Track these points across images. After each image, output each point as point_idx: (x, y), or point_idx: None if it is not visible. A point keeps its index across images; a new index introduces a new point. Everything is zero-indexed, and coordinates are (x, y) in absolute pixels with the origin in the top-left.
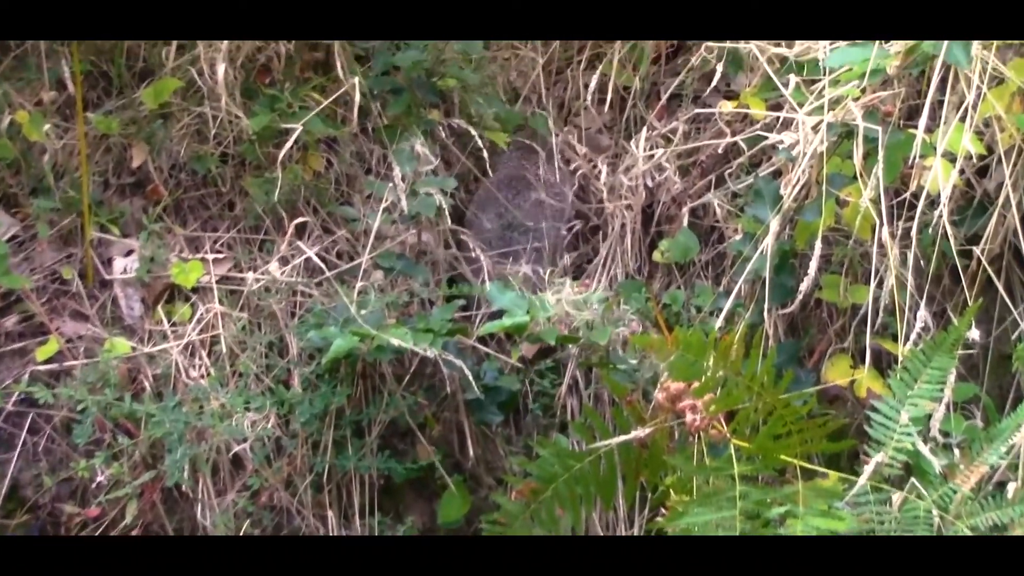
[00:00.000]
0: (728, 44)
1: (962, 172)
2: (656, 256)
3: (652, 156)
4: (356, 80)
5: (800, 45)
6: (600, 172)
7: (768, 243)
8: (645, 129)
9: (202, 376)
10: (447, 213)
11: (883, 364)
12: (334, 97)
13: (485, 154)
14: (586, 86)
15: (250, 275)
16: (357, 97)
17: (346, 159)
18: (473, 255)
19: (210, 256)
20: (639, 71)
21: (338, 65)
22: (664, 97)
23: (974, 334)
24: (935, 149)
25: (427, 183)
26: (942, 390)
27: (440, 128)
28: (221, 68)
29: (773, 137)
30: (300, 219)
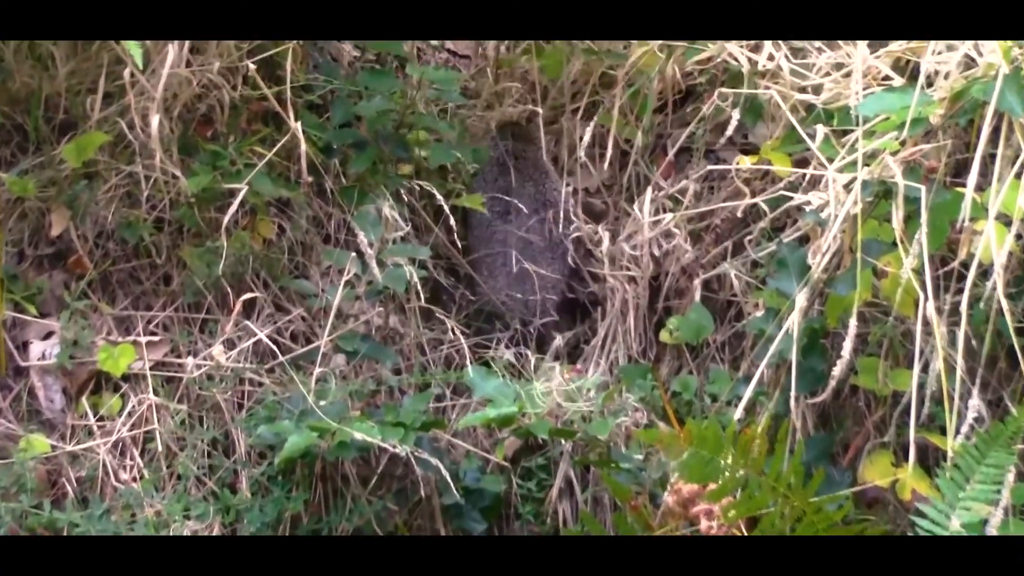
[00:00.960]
0: (745, 90)
1: (1019, 237)
2: (664, 336)
3: (658, 220)
4: (309, 132)
5: (829, 91)
6: (599, 239)
7: (794, 321)
8: (650, 189)
9: (134, 479)
10: (419, 287)
11: (930, 461)
12: (282, 152)
13: (454, 223)
14: (581, 139)
15: (190, 360)
16: (303, 148)
17: (301, 224)
18: (451, 336)
19: (143, 339)
20: (642, 121)
21: (291, 115)
22: (671, 152)
23: None
24: (987, 211)
25: (396, 252)
26: (999, 491)
27: (410, 188)
28: (155, 120)
29: (799, 197)
30: (248, 295)
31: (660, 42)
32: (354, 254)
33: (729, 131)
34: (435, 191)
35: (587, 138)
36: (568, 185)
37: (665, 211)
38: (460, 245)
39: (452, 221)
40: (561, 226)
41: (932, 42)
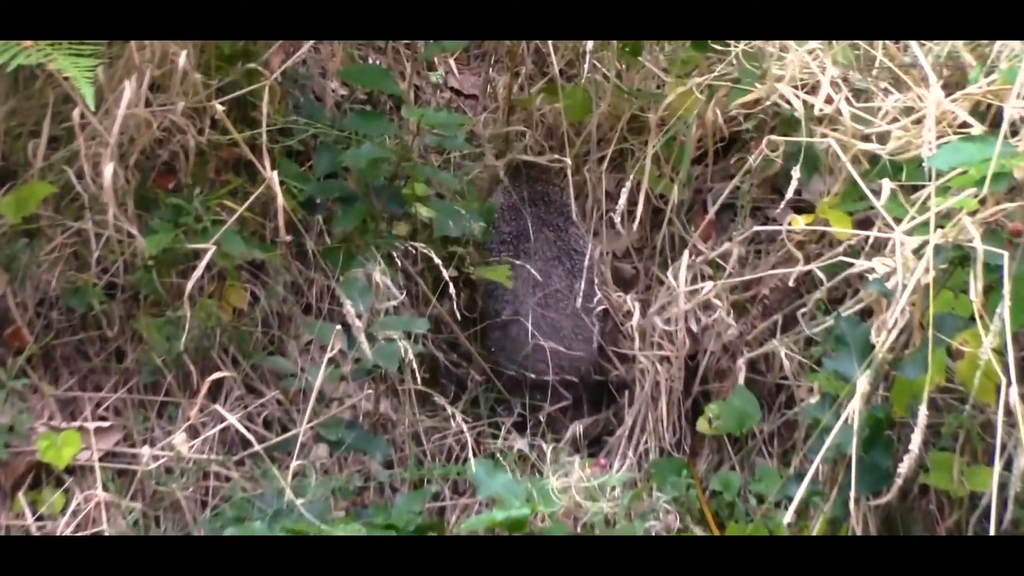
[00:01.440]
0: (799, 138)
1: None
2: (702, 425)
3: (696, 290)
4: (287, 183)
5: (897, 140)
6: (628, 311)
7: (855, 409)
8: (687, 253)
9: None
10: (415, 366)
11: None
12: (256, 206)
13: (455, 292)
14: (608, 194)
15: (146, 451)
16: (280, 203)
17: (277, 292)
18: (451, 424)
19: (91, 424)
20: (679, 174)
21: (266, 163)
22: (712, 209)
23: None
24: None
25: (388, 325)
26: None
27: (406, 250)
28: (108, 168)
29: (861, 264)
30: (215, 375)
31: (699, 81)
32: (339, 327)
33: (789, 193)
34: (434, 255)
35: (623, 198)
36: (594, 246)
37: (704, 279)
38: (465, 314)
39: (453, 289)
40: (583, 295)
41: (1018, 86)
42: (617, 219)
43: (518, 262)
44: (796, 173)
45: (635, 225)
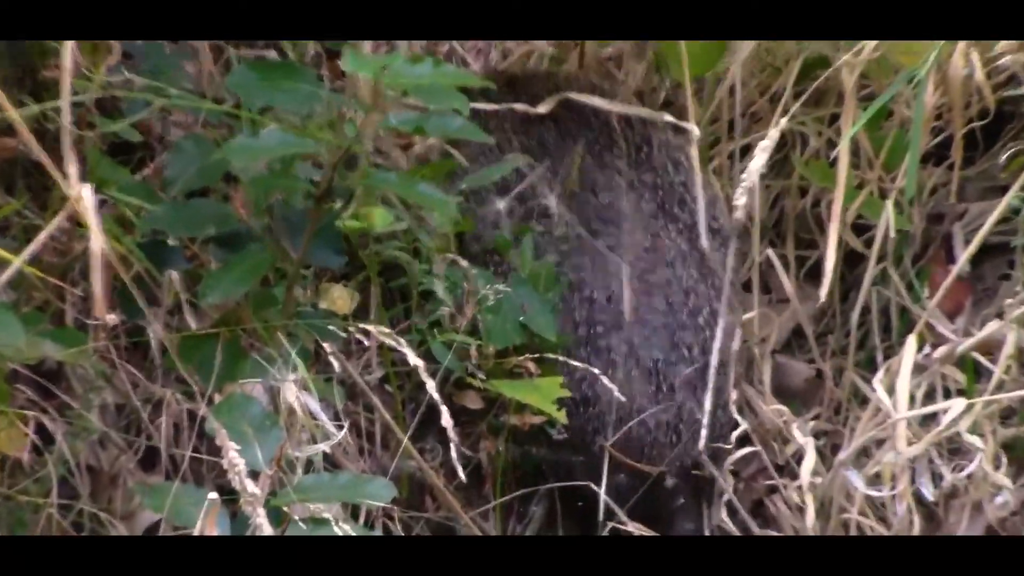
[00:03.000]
0: None
1: None
2: None
3: (934, 415)
4: (116, 200)
5: None
6: (800, 455)
7: None
8: (913, 339)
9: None
10: None
11: None
12: (56, 252)
13: (450, 427)
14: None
15: None
16: (98, 245)
17: (90, 426)
18: None
19: None
20: (895, 182)
21: (71, 168)
22: (963, 255)
23: None
24: None
25: (315, 493)
26: None
27: (350, 335)
28: None
29: None
30: None
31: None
32: (213, 496)
33: None
34: (409, 352)
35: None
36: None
37: (949, 394)
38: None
39: (449, 421)
40: (707, 411)
41: None
42: (778, 266)
43: (585, 367)
44: None
45: (825, 285)
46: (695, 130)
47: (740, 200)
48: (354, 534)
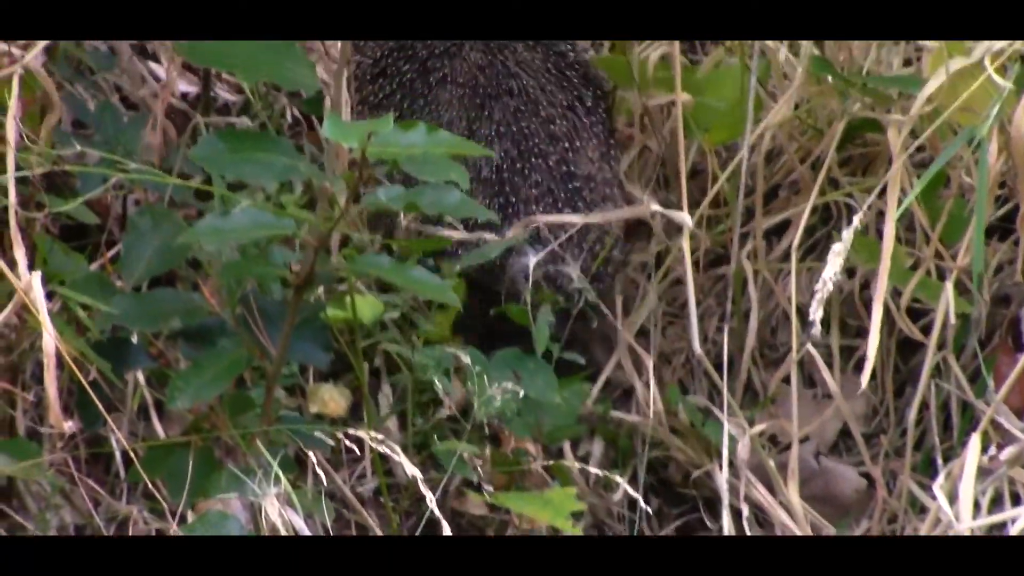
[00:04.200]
0: None
1: None
2: None
3: (1000, 525)
4: (60, 295)
5: None
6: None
7: None
8: (976, 439)
9: None
10: None
11: None
12: None
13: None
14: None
15: None
16: (51, 340)
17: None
18: None
19: None
20: (956, 261)
21: (18, 253)
22: None
23: None
24: None
25: None
26: None
27: (337, 439)
28: None
29: None
30: None
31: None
32: None
33: None
34: (409, 466)
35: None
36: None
37: (1013, 500)
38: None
39: (446, 529)
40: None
41: None
42: (817, 359)
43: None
44: None
45: (866, 374)
46: (688, 221)
47: (816, 314)
48: None
